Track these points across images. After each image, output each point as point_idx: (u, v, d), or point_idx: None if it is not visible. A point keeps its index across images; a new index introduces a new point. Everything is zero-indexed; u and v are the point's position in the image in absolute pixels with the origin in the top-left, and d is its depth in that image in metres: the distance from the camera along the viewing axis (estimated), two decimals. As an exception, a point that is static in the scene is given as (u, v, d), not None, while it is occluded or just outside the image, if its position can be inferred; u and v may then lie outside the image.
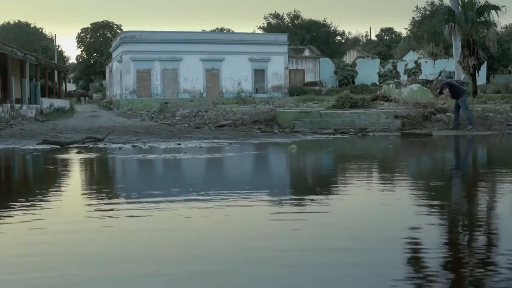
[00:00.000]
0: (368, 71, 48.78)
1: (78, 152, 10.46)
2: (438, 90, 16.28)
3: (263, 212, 5.05)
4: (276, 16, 69.12)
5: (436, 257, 3.48)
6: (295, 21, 67.85)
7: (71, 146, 11.89)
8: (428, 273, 3.17)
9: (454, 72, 31.06)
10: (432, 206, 5.34)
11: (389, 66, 50.20)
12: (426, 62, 49.08)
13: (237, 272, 3.21)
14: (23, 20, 65.05)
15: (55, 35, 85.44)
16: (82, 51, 63.50)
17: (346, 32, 75.56)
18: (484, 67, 37.17)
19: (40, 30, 66.50)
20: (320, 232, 4.17)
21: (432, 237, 3.98)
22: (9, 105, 23.64)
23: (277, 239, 3.97)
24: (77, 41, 63.43)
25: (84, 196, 6.25)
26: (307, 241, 3.90)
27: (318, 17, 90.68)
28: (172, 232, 4.28)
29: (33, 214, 4.95)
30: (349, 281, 3.05)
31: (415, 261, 3.44)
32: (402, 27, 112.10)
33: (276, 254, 3.53)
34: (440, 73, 34.31)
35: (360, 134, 15.02)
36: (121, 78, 41.22)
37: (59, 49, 64.31)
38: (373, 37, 74.34)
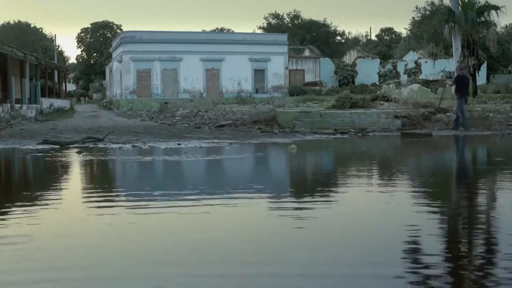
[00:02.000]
0: (368, 71, 48.76)
1: (78, 152, 10.47)
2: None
3: (265, 210, 5.07)
4: (276, 16, 69.11)
5: (436, 256, 3.49)
6: (295, 21, 67.82)
7: (71, 146, 11.90)
8: (429, 272, 3.18)
9: (454, 72, 31.07)
10: (432, 205, 5.35)
11: (389, 66, 50.19)
12: (426, 62, 49.06)
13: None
14: (23, 20, 64.99)
15: (55, 35, 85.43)
16: (82, 51, 63.51)
17: (346, 32, 75.60)
18: (484, 67, 37.15)
19: (40, 30, 66.41)
20: (320, 230, 4.19)
21: (432, 236, 3.99)
22: (9, 105, 23.63)
23: (279, 233, 3.99)
24: (77, 41, 63.47)
25: (84, 196, 6.25)
26: (308, 237, 3.92)
27: (318, 17, 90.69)
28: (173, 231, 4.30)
29: (33, 213, 4.96)
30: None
31: (414, 256, 3.45)
32: (402, 27, 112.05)
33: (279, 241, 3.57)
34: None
35: (360, 134, 15.02)
36: (121, 78, 41.22)
37: (59, 49, 64.31)
38: (373, 37, 74.35)
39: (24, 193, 6.49)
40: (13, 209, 5.27)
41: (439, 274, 3.17)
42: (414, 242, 3.89)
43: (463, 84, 15.94)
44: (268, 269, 3.29)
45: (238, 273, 3.23)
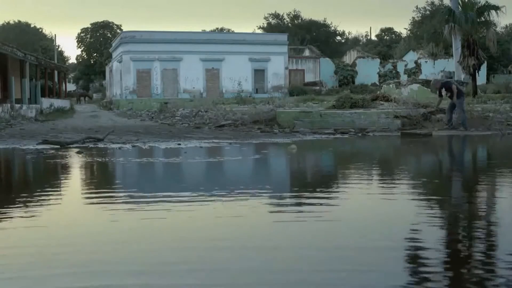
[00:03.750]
0: (368, 71, 48.77)
1: (78, 152, 10.48)
2: (438, 90, 16.26)
3: (266, 210, 5.08)
4: (276, 16, 69.13)
5: (436, 256, 3.50)
6: (295, 21, 67.85)
7: (71, 146, 11.90)
8: (428, 273, 3.18)
9: (454, 72, 31.08)
10: (432, 205, 5.36)
11: (389, 66, 50.21)
12: (426, 62, 49.08)
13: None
14: (23, 20, 65.03)
15: (55, 35, 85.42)
16: (82, 51, 63.52)
17: (346, 32, 75.61)
18: (484, 67, 37.15)
19: (40, 30, 66.45)
20: (321, 229, 4.21)
21: (432, 237, 3.99)
22: (9, 105, 23.64)
23: (280, 231, 4.01)
24: (77, 41, 63.48)
25: (85, 195, 6.25)
26: (308, 237, 3.93)
27: (318, 17, 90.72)
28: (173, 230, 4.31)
29: (33, 214, 4.97)
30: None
31: (415, 259, 3.46)
32: (402, 27, 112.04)
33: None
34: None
35: (360, 134, 15.02)
36: (121, 78, 41.22)
37: (59, 49, 64.34)
38: (373, 37, 74.34)
39: (24, 192, 6.49)
40: (13, 208, 5.28)
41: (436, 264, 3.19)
42: (414, 243, 3.90)
43: (457, 87, 15.89)
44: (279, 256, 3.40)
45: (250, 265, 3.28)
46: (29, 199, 5.83)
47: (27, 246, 3.87)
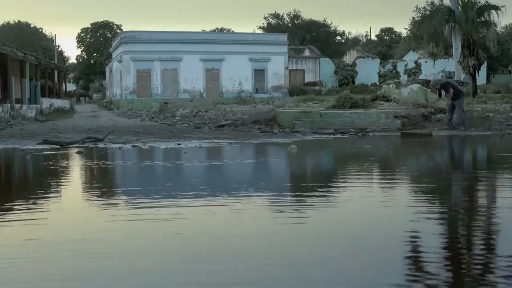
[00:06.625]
0: (368, 71, 48.77)
1: (78, 152, 10.48)
2: (438, 90, 16.29)
3: (266, 210, 5.08)
4: (276, 16, 69.16)
5: (435, 256, 3.50)
6: (295, 21, 67.88)
7: (71, 146, 11.90)
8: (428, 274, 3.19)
9: (454, 72, 31.08)
10: (432, 205, 5.36)
11: (389, 66, 50.20)
12: (426, 62, 49.08)
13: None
14: (23, 20, 65.05)
15: (55, 35, 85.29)
16: (82, 51, 63.52)
17: (346, 32, 75.63)
18: (484, 67, 37.14)
19: (40, 30, 66.46)
20: (321, 232, 4.21)
21: (432, 236, 3.99)
22: (9, 105, 23.63)
23: (279, 233, 4.01)
24: (77, 41, 63.48)
25: (85, 196, 6.25)
26: (308, 238, 3.92)
27: (318, 17, 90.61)
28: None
29: (34, 215, 4.97)
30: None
31: (414, 258, 3.46)
32: (402, 27, 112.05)
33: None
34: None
35: (360, 134, 15.02)
36: (121, 78, 41.22)
37: (59, 49, 64.35)
38: (373, 37, 74.35)
39: (24, 193, 6.49)
40: (14, 207, 5.28)
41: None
42: (414, 244, 3.90)
43: (455, 89, 15.90)
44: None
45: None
46: (28, 198, 5.83)
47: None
